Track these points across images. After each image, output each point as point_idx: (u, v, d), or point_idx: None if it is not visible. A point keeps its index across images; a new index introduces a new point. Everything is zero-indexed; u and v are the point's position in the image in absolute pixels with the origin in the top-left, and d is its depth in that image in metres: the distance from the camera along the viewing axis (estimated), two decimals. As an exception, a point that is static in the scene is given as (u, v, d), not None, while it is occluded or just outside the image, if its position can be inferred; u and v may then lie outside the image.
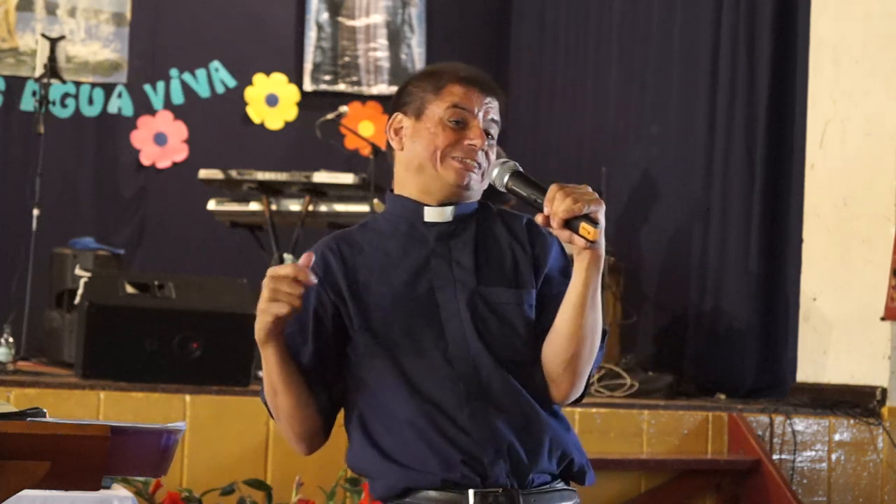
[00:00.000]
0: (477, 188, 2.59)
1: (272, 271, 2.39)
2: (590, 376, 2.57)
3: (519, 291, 2.56)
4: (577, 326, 2.47)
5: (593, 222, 2.35)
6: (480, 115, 2.58)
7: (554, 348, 2.51)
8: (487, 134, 2.58)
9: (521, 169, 2.50)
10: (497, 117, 2.61)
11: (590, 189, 2.38)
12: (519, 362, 2.53)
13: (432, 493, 2.49)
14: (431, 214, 2.60)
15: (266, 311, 2.39)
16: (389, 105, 2.69)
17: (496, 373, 2.50)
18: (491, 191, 2.62)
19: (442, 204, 2.60)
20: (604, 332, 2.58)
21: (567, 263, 2.61)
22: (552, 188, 2.38)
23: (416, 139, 2.59)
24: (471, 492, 2.47)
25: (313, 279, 2.39)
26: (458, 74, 2.62)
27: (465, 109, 2.57)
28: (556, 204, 2.36)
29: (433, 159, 2.56)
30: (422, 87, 2.62)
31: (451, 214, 2.59)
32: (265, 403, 2.58)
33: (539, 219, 2.40)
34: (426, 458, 2.48)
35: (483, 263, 2.57)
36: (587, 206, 2.35)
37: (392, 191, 2.67)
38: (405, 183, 2.63)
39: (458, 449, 2.47)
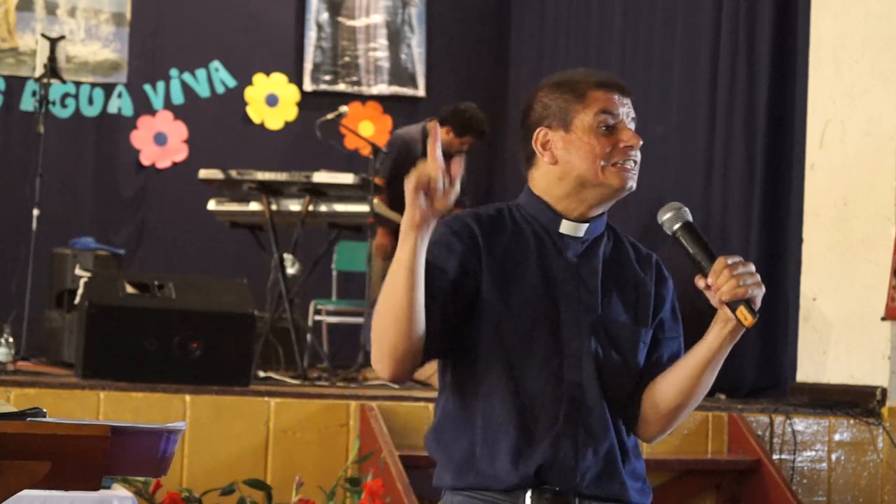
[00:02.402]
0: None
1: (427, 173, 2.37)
2: None
3: (638, 329, 2.62)
4: (696, 384, 2.57)
5: (752, 309, 2.46)
6: (623, 116, 2.60)
7: (662, 396, 2.59)
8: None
9: (690, 219, 2.56)
10: (635, 115, 2.63)
11: (753, 269, 2.46)
12: (620, 396, 2.58)
13: (492, 493, 2.53)
14: (567, 227, 2.61)
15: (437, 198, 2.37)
16: (520, 123, 2.67)
17: (598, 402, 2.54)
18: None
19: (583, 215, 2.61)
20: None
21: (677, 306, 2.71)
22: (720, 262, 2.46)
23: (572, 151, 2.58)
24: (527, 495, 2.51)
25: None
26: (595, 80, 2.63)
27: (612, 113, 2.58)
28: (721, 281, 2.45)
29: (594, 169, 2.56)
30: (560, 97, 2.62)
31: (584, 232, 2.61)
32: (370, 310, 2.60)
33: (699, 283, 2.49)
34: (501, 465, 2.51)
35: (608, 291, 2.60)
36: (750, 291, 2.45)
37: (530, 186, 2.66)
38: (551, 188, 2.62)
39: (537, 466, 2.50)
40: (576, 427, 2.52)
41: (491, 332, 2.53)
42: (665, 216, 2.55)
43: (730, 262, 2.46)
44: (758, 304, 2.48)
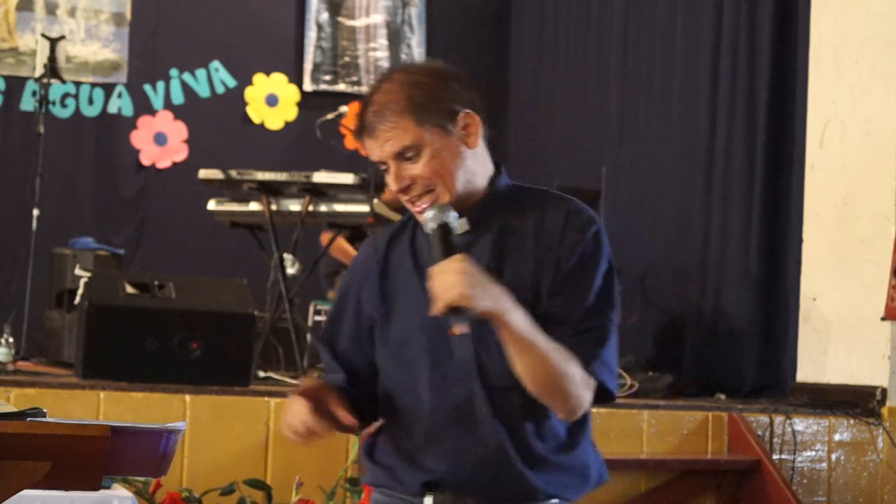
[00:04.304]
0: (453, 200, 2.48)
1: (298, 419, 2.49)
2: (619, 379, 2.60)
3: (531, 308, 2.40)
4: (523, 369, 2.39)
5: (455, 319, 2.31)
6: (384, 154, 2.48)
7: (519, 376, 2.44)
8: (405, 159, 2.46)
9: (449, 223, 2.42)
10: (400, 144, 2.46)
11: (449, 273, 2.30)
12: (517, 394, 2.44)
13: (397, 493, 2.58)
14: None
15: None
16: None
17: (486, 408, 2.47)
18: None
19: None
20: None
21: (593, 259, 2.46)
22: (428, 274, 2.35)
23: None
24: (428, 500, 2.53)
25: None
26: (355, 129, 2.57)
27: (377, 162, 2.52)
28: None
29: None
30: None
31: (467, 224, 2.46)
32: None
33: None
34: (402, 473, 2.55)
35: (496, 273, 2.41)
36: (445, 304, 2.29)
37: None
38: None
39: (431, 477, 2.51)
40: (467, 435, 2.47)
41: (387, 348, 2.55)
42: (429, 214, 2.45)
43: (431, 275, 2.33)
44: (471, 304, 2.28)
